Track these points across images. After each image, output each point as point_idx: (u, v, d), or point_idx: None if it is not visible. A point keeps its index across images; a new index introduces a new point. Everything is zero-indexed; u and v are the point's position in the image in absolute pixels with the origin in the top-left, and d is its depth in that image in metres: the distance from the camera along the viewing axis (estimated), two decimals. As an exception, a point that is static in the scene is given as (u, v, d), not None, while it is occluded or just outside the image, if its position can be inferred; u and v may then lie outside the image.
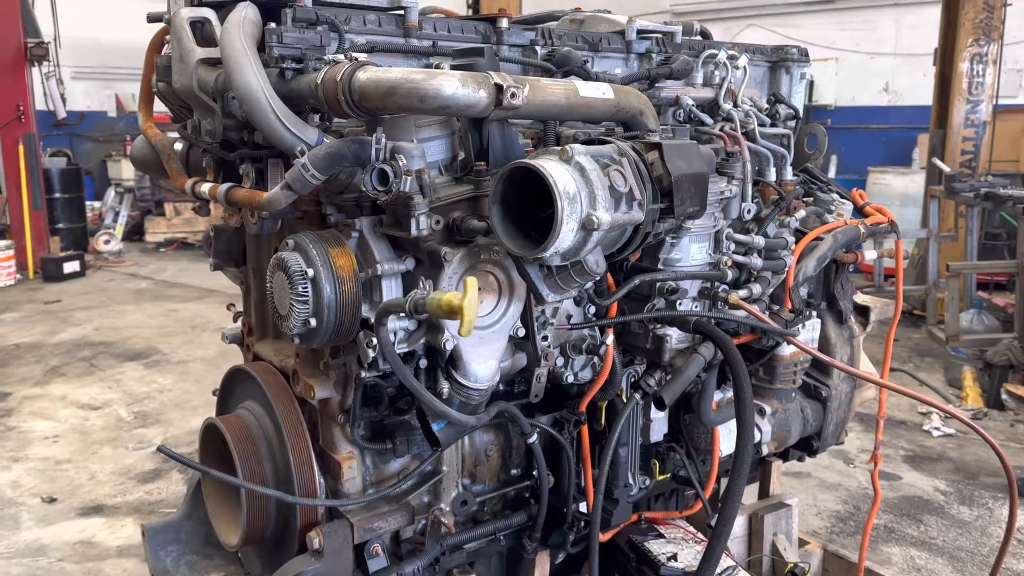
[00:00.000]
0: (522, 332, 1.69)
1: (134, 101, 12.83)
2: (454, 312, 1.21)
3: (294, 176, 1.48)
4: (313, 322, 1.52)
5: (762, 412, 2.36)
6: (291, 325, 1.53)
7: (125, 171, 12.13)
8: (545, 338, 1.73)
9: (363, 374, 1.62)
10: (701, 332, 1.86)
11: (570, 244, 1.33)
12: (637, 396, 2.00)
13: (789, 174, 2.29)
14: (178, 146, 2.04)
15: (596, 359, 1.88)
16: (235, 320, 2.17)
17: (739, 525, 2.55)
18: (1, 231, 10.03)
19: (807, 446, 2.55)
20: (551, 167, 1.31)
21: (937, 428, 4.96)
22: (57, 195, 10.44)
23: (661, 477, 2.24)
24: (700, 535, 2.25)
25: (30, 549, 3.59)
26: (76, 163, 11.30)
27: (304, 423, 1.84)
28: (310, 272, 1.50)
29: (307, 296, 1.50)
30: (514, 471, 2.10)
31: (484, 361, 1.61)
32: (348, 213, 1.67)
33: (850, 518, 3.91)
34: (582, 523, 2.04)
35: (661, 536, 2.21)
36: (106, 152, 13.12)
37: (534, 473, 2.06)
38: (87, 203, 11.40)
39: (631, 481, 2.12)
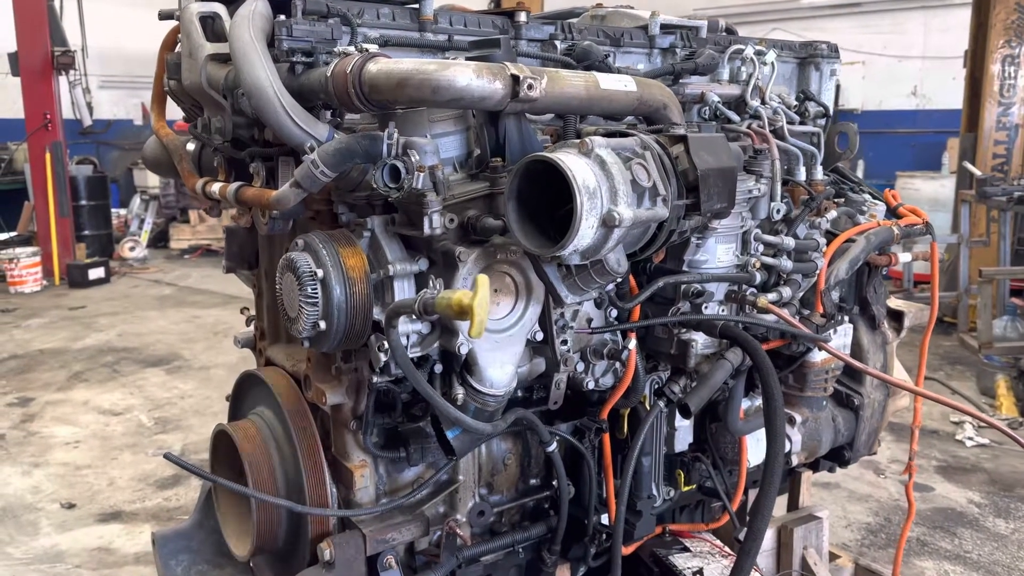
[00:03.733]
0: (540, 336, 1.62)
1: (159, 109, 12.92)
2: (464, 312, 1.14)
3: (303, 173, 1.42)
4: (323, 324, 1.46)
5: (792, 421, 2.27)
6: (301, 328, 1.47)
7: (151, 179, 12.23)
8: (564, 342, 1.65)
9: (375, 379, 1.56)
10: (728, 337, 1.78)
11: (590, 242, 1.26)
12: (661, 403, 1.92)
13: (819, 174, 2.20)
14: (190, 146, 2.00)
15: (618, 365, 1.81)
16: (248, 324, 2.12)
17: (768, 538, 2.46)
18: (28, 238, 10.15)
19: (838, 456, 2.45)
20: (570, 160, 1.24)
21: (970, 438, 4.82)
22: (83, 202, 10.54)
23: (686, 488, 2.16)
24: (727, 549, 2.16)
25: (48, 555, 3.58)
26: (102, 171, 11.41)
27: (316, 430, 1.78)
28: (320, 273, 1.44)
29: (317, 298, 1.45)
30: (533, 481, 2.03)
31: (500, 366, 1.54)
32: (360, 212, 1.61)
33: (881, 530, 3.79)
34: (604, 536, 1.97)
35: (686, 550, 2.12)
36: (132, 160, 13.24)
37: (554, 483, 1.99)
38: (113, 210, 11.51)
39: (655, 492, 2.05)
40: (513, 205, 1.31)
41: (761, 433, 2.23)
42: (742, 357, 1.86)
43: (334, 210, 1.64)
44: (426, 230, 1.42)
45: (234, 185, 1.67)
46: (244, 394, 2.02)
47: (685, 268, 1.85)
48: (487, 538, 1.94)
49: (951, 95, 9.81)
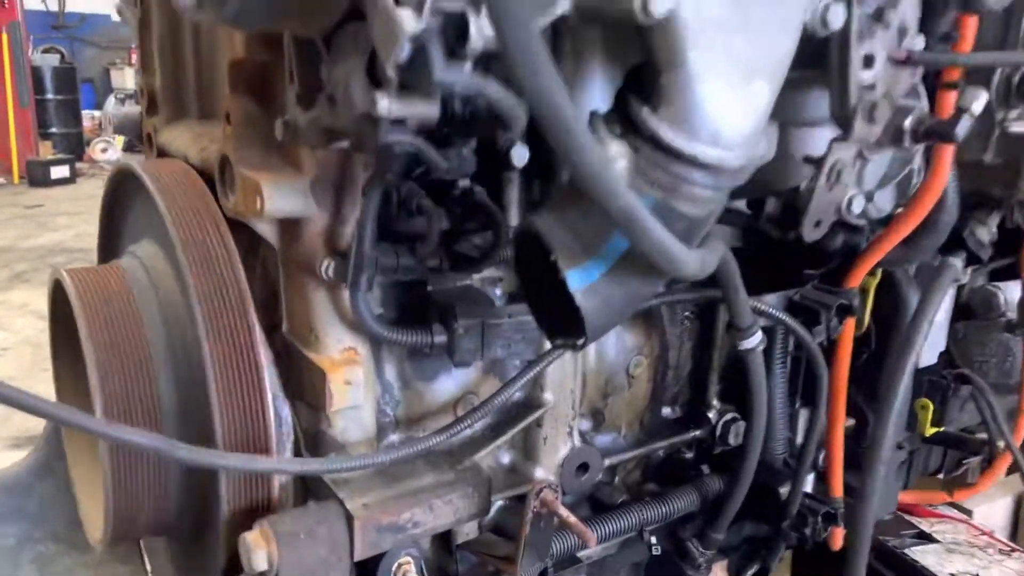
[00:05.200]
0: (836, 23, 0.60)
1: None
2: None
3: None
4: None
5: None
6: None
7: (128, 79, 11.12)
8: (869, 62, 0.66)
9: (389, 106, 0.57)
10: None
11: None
12: (957, 263, 0.95)
13: None
14: None
15: (914, 167, 0.83)
16: (126, 102, 1.13)
17: (1001, 510, 1.54)
18: (-18, 131, 9.06)
19: None
20: None
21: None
22: (49, 96, 9.47)
23: (932, 431, 1.22)
24: (999, 538, 1.22)
25: (-67, 492, 2.69)
26: (71, 61, 10.24)
27: (244, 280, 0.80)
28: None
29: None
30: (667, 411, 1.08)
31: (743, 83, 0.54)
32: None
33: None
34: (820, 517, 1.02)
35: (929, 539, 1.18)
36: (109, 59, 12.08)
37: (710, 415, 1.05)
38: (86, 112, 10.39)
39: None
40: None
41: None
42: None
43: None
44: None
45: None
46: (119, 213, 1.02)
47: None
48: (587, 513, 1.00)
49: None
